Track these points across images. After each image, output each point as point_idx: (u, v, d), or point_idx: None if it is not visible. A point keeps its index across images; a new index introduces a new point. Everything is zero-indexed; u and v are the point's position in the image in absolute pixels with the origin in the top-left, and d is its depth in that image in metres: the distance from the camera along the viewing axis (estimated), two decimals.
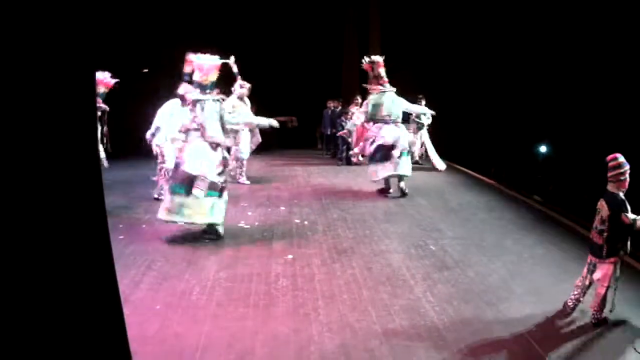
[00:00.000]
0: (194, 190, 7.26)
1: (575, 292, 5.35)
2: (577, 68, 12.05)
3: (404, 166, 10.26)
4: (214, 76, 7.70)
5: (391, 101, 10.36)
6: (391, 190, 10.57)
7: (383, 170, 10.28)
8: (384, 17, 17.29)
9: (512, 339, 4.87)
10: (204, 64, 7.65)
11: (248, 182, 11.64)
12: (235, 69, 9.31)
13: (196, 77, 7.62)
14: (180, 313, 5.25)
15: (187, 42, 7.57)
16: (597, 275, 5.11)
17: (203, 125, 7.47)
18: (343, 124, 14.27)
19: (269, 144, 10.89)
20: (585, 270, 5.27)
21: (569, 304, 5.39)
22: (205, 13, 16.44)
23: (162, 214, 7.46)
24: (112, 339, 2.34)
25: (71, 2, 2.09)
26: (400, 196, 10.35)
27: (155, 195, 9.68)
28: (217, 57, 7.84)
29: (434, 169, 13.73)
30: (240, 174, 11.67)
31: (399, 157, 10.12)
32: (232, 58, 8.97)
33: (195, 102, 7.51)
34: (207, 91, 7.61)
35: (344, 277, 6.29)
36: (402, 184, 10.43)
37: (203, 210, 7.36)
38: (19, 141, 1.87)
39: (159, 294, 5.68)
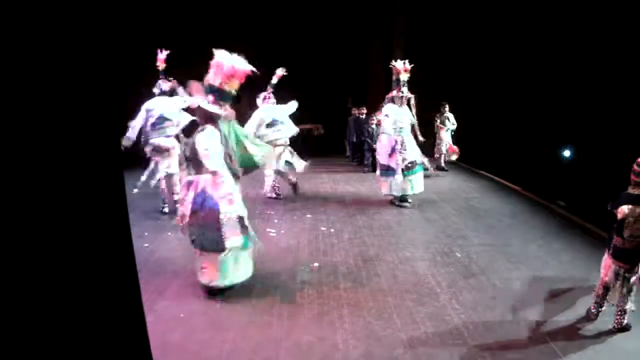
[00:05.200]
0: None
1: (597, 299, 5.28)
2: (600, 71, 11.89)
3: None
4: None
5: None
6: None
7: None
8: (408, 25, 17.30)
9: (536, 346, 4.83)
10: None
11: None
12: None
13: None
14: (204, 321, 5.29)
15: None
16: (632, 281, 5.02)
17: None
18: (369, 129, 14.29)
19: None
20: (612, 276, 5.15)
21: (592, 310, 5.32)
22: (235, 25, 16.57)
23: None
24: (134, 347, 2.36)
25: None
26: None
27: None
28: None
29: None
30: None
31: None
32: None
33: None
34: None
35: (370, 285, 6.29)
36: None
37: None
38: (37, 146, 1.89)
39: (183, 303, 5.73)
